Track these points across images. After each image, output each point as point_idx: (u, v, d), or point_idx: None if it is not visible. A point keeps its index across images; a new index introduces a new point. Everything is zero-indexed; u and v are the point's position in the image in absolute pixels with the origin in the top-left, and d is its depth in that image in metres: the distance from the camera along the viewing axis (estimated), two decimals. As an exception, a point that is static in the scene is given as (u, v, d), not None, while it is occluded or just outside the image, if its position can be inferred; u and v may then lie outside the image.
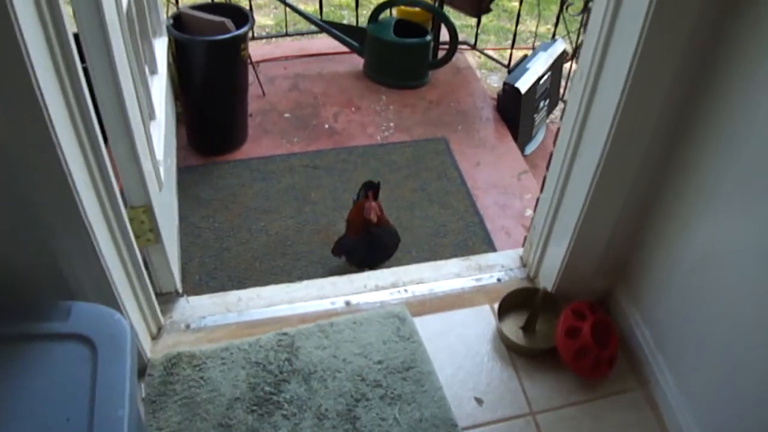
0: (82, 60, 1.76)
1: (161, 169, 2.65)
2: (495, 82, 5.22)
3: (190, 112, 3.93)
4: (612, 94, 2.02)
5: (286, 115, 4.33)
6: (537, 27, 5.32)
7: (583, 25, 4.55)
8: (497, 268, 2.90)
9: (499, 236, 3.54)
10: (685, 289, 2.24)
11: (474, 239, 3.51)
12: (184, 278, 3.23)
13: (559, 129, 2.50)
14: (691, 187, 2.14)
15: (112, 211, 2.07)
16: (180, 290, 2.78)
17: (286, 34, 5.08)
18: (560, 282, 2.63)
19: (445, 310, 2.71)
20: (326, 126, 4.26)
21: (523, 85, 4.29)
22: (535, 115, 4.60)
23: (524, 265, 2.91)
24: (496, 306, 2.69)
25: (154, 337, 2.58)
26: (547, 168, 2.60)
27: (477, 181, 3.90)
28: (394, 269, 2.89)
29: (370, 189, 3.22)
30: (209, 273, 3.28)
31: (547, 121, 4.86)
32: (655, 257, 2.39)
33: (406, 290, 2.77)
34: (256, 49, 4.91)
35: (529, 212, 3.70)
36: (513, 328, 2.66)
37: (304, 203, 3.68)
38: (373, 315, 2.64)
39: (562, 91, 4.91)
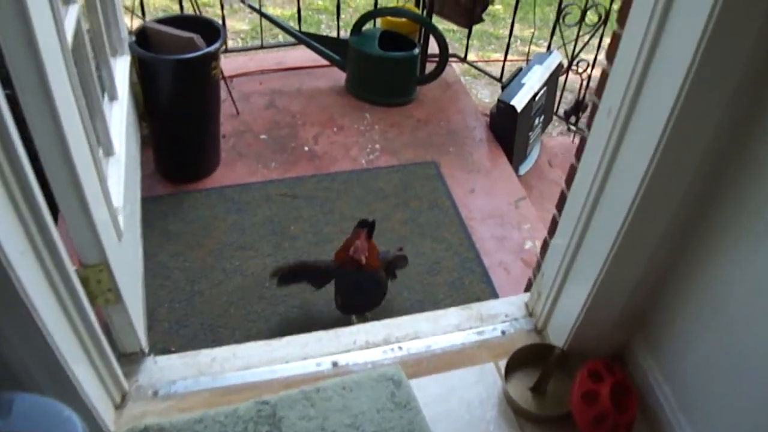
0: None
1: (120, 218, 2.32)
2: (486, 96, 4.94)
3: (157, 136, 3.60)
4: (649, 136, 1.72)
5: (262, 136, 4.01)
6: (533, 37, 4.99)
7: (587, 34, 4.29)
8: (501, 318, 2.61)
9: (497, 273, 3.23)
10: (713, 343, 1.98)
11: (470, 277, 3.20)
12: (152, 326, 2.92)
13: (573, 167, 2.20)
14: (726, 237, 1.88)
15: (58, 276, 1.76)
16: (146, 349, 2.47)
17: (262, 47, 4.76)
18: (574, 337, 2.34)
19: (444, 370, 2.41)
20: (306, 149, 3.94)
21: (519, 102, 4.00)
22: (530, 133, 4.32)
23: (531, 315, 2.62)
24: (501, 364, 2.42)
25: (118, 407, 2.28)
26: (559, 210, 2.30)
27: (471, 210, 3.59)
28: (386, 322, 2.58)
29: (364, 228, 2.91)
30: (180, 320, 2.96)
31: (542, 138, 4.57)
32: (680, 306, 2.12)
33: (400, 347, 2.47)
34: (228, 62, 4.59)
35: (529, 245, 3.41)
36: (521, 390, 2.38)
37: (283, 238, 3.36)
38: (365, 378, 2.33)
39: (556, 105, 4.62)
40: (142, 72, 3.32)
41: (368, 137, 4.06)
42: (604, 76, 1.96)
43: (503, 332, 2.55)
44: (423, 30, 4.47)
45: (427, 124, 4.20)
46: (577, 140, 5.24)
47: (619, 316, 2.27)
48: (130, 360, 2.42)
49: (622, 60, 1.80)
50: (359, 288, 2.86)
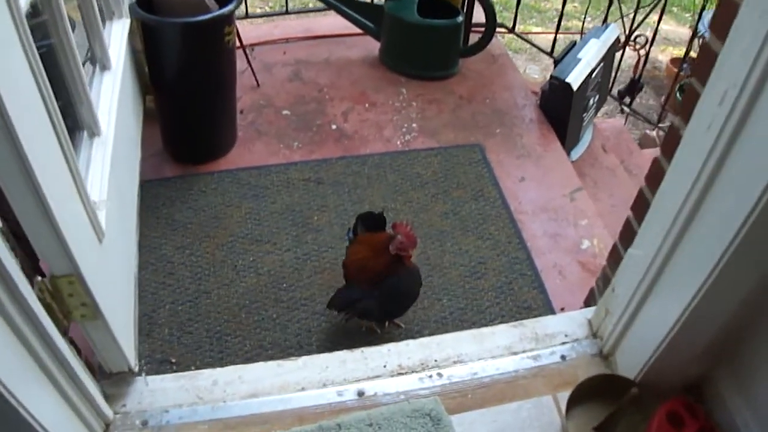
0: None
1: (101, 214, 1.91)
2: (535, 73, 4.45)
3: (163, 111, 3.20)
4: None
5: (285, 112, 3.59)
6: (588, 7, 4.48)
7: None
8: (559, 338, 2.18)
9: (551, 277, 2.81)
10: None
11: (520, 281, 2.76)
12: (150, 332, 2.55)
13: (658, 165, 1.77)
14: None
15: (6, 295, 1.34)
16: (135, 368, 2.07)
17: (287, 12, 4.30)
18: (650, 368, 1.92)
19: (493, 404, 2.00)
20: (333, 127, 3.51)
21: (575, 79, 3.54)
22: (584, 114, 3.85)
23: (595, 335, 2.18)
24: (561, 397, 2.00)
25: None
26: (638, 215, 1.86)
27: (521, 202, 3.15)
28: (423, 341, 2.15)
29: (371, 222, 2.54)
30: (182, 325, 2.57)
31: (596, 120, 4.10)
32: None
33: (440, 374, 2.04)
34: (249, 30, 4.21)
35: (586, 244, 2.97)
36: (584, 430, 1.92)
37: (305, 230, 2.95)
38: (396, 413, 1.91)
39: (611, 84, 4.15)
40: (146, 38, 2.91)
41: (404, 115, 3.62)
42: (709, 53, 1.51)
43: (563, 357, 2.12)
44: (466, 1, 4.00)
45: (470, 102, 3.75)
46: (649, 100, 4.76)
47: (708, 345, 1.82)
48: (117, 381, 2.04)
49: (743, 31, 1.35)
50: (404, 291, 2.46)
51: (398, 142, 3.44)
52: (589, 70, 3.64)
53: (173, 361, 2.47)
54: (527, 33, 4.95)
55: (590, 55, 3.70)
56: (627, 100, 4.65)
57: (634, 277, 1.88)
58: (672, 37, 5.80)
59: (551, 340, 2.16)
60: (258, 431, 1.89)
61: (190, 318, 2.60)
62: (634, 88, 4.71)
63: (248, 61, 3.71)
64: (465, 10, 3.98)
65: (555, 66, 3.76)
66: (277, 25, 4.41)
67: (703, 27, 4.94)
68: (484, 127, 3.58)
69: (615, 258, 2.13)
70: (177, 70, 3.00)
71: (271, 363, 2.07)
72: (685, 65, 4.97)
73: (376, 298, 2.38)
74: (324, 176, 3.21)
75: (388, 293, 2.38)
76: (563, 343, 2.15)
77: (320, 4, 4.08)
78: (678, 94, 4.86)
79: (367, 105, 3.68)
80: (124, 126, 2.62)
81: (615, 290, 2.05)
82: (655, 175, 1.82)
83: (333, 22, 4.22)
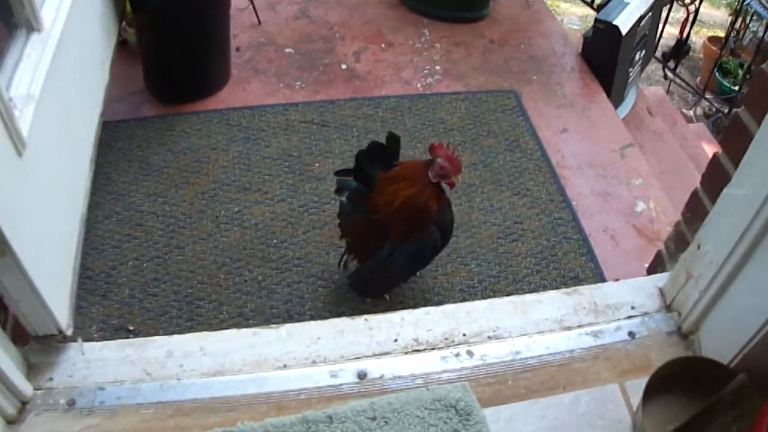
0: None
1: (22, 116, 1.41)
2: (574, 23, 3.93)
3: (145, 42, 2.70)
4: None
5: (288, 50, 3.08)
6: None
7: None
8: (624, 310, 1.69)
9: (601, 242, 2.32)
10: None
11: (564, 246, 2.27)
12: (107, 294, 2.09)
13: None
14: None
15: None
16: (68, 331, 1.58)
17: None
18: (750, 353, 1.43)
19: (541, 394, 1.50)
20: (343, 66, 3.01)
21: (623, 23, 3.02)
22: (629, 70, 3.33)
23: (668, 307, 1.66)
24: (632, 386, 1.50)
25: (11, 422, 1.43)
26: (729, 145, 1.36)
27: (564, 155, 2.65)
28: (448, 308, 1.64)
29: (379, 157, 1.94)
30: (147, 286, 2.10)
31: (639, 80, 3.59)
32: None
33: (470, 353, 1.54)
34: None
35: (641, 206, 2.48)
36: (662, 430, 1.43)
37: (303, 178, 2.46)
38: (410, 403, 1.42)
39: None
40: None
41: (426, 57, 3.11)
42: None
43: (631, 335, 1.61)
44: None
45: (502, 47, 3.24)
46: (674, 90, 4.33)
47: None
48: (45, 348, 1.56)
49: None
50: (447, 230, 1.96)
51: (419, 85, 2.93)
52: (638, 16, 3.13)
53: (131, 328, 2.00)
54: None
55: (638, 0, 3.19)
56: (672, 64, 4.16)
57: (733, 227, 1.37)
58: (706, 19, 5.33)
59: (614, 313, 1.65)
60: (219, 421, 1.40)
61: (156, 277, 2.12)
62: (680, 50, 4.20)
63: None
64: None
65: (598, 11, 3.24)
66: (285, -39, 3.90)
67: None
68: (519, 73, 3.07)
69: (695, 207, 1.64)
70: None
71: (244, 331, 1.57)
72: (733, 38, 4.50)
73: (407, 251, 1.88)
74: (329, 119, 2.70)
75: (426, 242, 1.89)
76: (630, 317, 1.65)
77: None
78: (717, 73, 4.38)
79: (383, 45, 3.18)
80: (81, 32, 2.13)
81: (702, 247, 1.54)
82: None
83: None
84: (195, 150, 2.54)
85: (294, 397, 1.44)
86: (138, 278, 2.12)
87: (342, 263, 2.12)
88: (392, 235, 1.88)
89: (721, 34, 4.97)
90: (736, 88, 4.45)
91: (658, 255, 1.88)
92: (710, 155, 3.53)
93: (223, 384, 1.46)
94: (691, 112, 4.72)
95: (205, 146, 2.56)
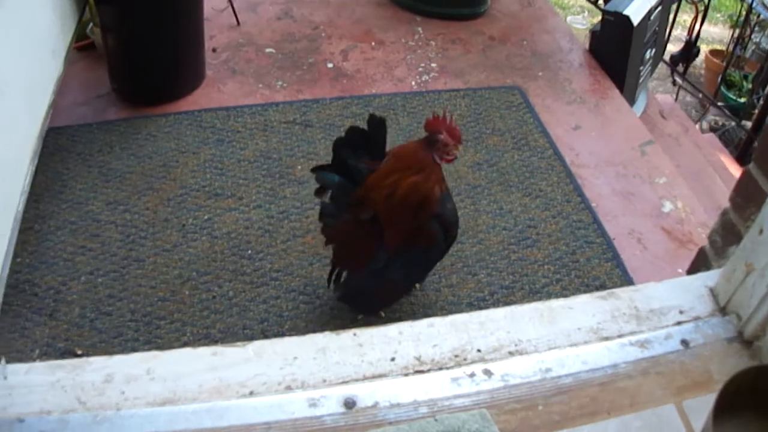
0: None
1: None
2: (579, 23, 3.67)
3: (110, 40, 2.42)
4: None
5: (269, 50, 2.81)
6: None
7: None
8: (672, 315, 1.37)
9: (627, 246, 2.05)
10: None
11: (586, 251, 1.98)
12: (54, 314, 1.82)
13: None
14: None
15: None
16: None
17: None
18: None
19: (581, 421, 1.19)
20: (329, 65, 2.73)
21: (635, 13, 2.75)
22: (641, 68, 3.05)
23: (723, 310, 1.36)
24: (689, 405, 1.19)
25: None
26: None
27: (579, 154, 2.37)
28: (457, 319, 1.32)
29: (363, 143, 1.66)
30: (100, 304, 1.82)
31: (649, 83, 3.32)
32: None
33: (487, 372, 1.22)
34: None
35: (669, 207, 2.21)
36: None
37: (283, 182, 2.18)
38: (412, 436, 1.09)
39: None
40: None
41: (420, 54, 2.83)
42: None
43: (685, 343, 1.29)
44: None
45: (503, 43, 2.97)
46: (686, 97, 4.10)
47: None
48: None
49: None
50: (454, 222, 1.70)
51: (413, 83, 2.65)
52: (649, 6, 2.87)
53: (80, 353, 1.71)
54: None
55: (649, -9, 2.94)
56: (681, 68, 3.90)
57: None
58: (704, 36, 5.16)
59: (660, 319, 1.34)
60: (170, 466, 1.08)
61: (111, 294, 1.83)
62: (689, 51, 3.95)
63: (229, 0, 2.93)
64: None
65: (606, 2, 2.98)
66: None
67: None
68: (523, 70, 2.80)
69: (747, 189, 1.35)
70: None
71: (202, 350, 1.24)
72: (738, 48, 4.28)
73: (407, 259, 1.63)
74: (314, 118, 2.42)
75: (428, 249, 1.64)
76: (679, 323, 1.34)
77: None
78: (722, 87, 4.15)
79: (373, 43, 2.90)
80: (28, 11, 1.85)
81: (765, 232, 1.24)
82: None
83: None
84: (162, 154, 2.26)
85: (263, 431, 1.12)
86: (91, 295, 1.83)
87: (332, 279, 1.77)
88: (389, 241, 1.59)
89: (722, 48, 4.76)
90: (742, 100, 4.23)
91: (701, 252, 1.58)
92: (727, 164, 3.28)
93: (173, 415, 1.14)
94: (698, 126, 4.47)
95: (173, 150, 2.27)
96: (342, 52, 2.82)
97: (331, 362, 1.22)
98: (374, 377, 1.20)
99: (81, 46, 2.71)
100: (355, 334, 1.28)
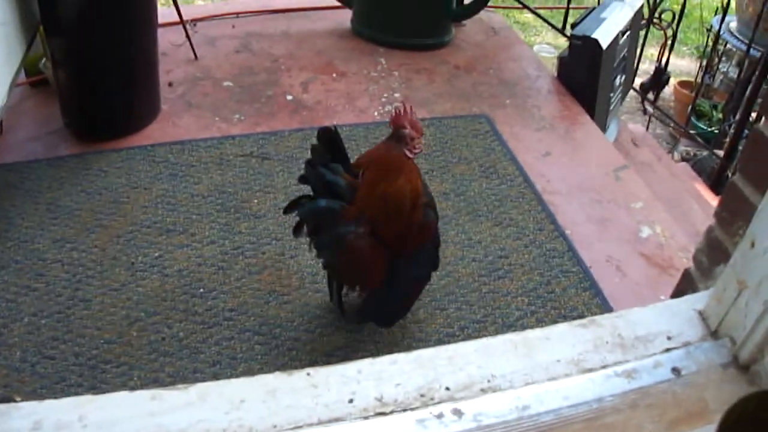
0: None
1: None
2: (546, 51, 3.62)
3: (61, 73, 2.32)
4: None
5: (227, 83, 2.71)
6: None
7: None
8: (659, 342, 1.28)
9: (605, 274, 1.97)
10: None
11: (562, 281, 1.89)
12: None
13: None
14: None
15: None
16: None
17: (238, -22, 3.43)
18: None
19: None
20: (289, 98, 2.64)
21: (603, 36, 2.70)
22: (611, 95, 2.99)
23: (715, 333, 1.26)
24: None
25: None
26: None
27: (551, 180, 2.28)
28: (422, 354, 1.21)
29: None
30: (42, 347, 1.69)
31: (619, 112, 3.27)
32: None
33: (457, 411, 1.10)
34: (191, 8, 3.43)
35: (647, 232, 2.12)
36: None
37: (239, 217, 2.07)
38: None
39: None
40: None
41: (383, 85, 2.75)
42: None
43: (676, 371, 1.19)
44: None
45: (469, 72, 2.89)
46: (656, 129, 4.08)
47: None
48: None
49: None
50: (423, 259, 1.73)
51: (375, 113, 2.57)
52: (617, 31, 2.81)
53: (18, 399, 1.53)
54: (545, 8, 4.14)
55: (616, 15, 2.89)
56: (651, 96, 3.85)
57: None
58: (671, 68, 5.17)
59: (647, 346, 1.23)
60: None
61: (55, 336, 1.71)
62: (659, 78, 3.90)
63: (186, 35, 2.84)
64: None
65: (573, 28, 2.91)
66: (228, 2, 3.56)
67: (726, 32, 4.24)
68: (490, 98, 2.72)
69: (734, 202, 1.27)
70: (74, 6, 2.15)
71: (141, 393, 1.12)
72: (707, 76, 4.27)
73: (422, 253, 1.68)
74: (271, 151, 2.31)
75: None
76: (668, 350, 1.23)
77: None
78: (693, 118, 4.12)
79: (334, 75, 2.81)
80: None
81: (758, 244, 1.14)
82: None
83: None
84: (112, 190, 2.14)
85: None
86: (33, 338, 1.70)
87: (339, 301, 1.76)
88: (400, 247, 1.61)
89: (690, 79, 4.74)
90: (712, 129, 4.20)
91: (686, 275, 1.48)
92: (702, 191, 3.22)
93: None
94: (669, 157, 4.43)
95: (124, 185, 2.15)
96: (302, 84, 2.73)
97: (282, 405, 1.10)
98: (330, 421, 1.08)
99: (34, 81, 2.61)
100: (308, 374, 1.16)
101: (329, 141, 1.61)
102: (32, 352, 1.66)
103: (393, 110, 1.61)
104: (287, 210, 1.64)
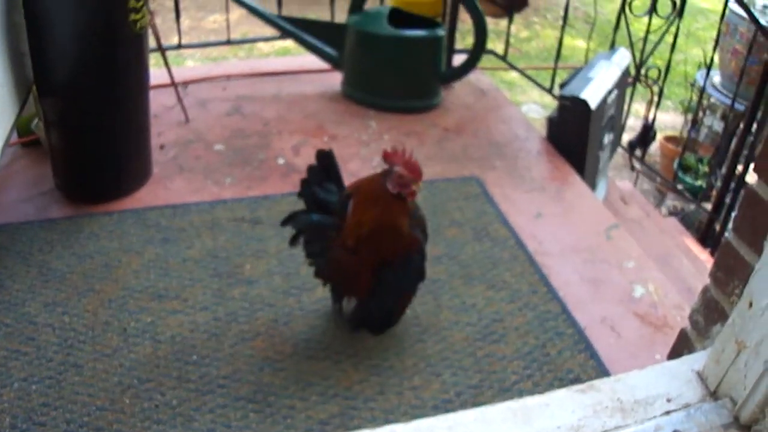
0: None
1: None
2: (535, 111, 3.64)
3: (54, 135, 2.33)
4: None
5: (218, 146, 2.72)
6: (592, 31, 3.69)
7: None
8: (659, 405, 1.29)
9: (600, 336, 1.96)
10: None
11: (557, 343, 1.89)
12: None
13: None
14: None
15: None
16: None
17: (228, 42, 3.47)
18: None
19: None
20: (280, 161, 2.65)
21: (591, 97, 2.75)
22: (600, 153, 3.02)
23: (713, 394, 1.27)
24: None
25: None
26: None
27: (543, 242, 2.29)
28: (419, 425, 1.20)
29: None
30: (32, 413, 1.66)
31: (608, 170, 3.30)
32: None
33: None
34: (184, 71, 3.39)
35: (640, 291, 2.14)
36: None
37: (231, 283, 2.06)
38: None
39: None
40: (27, 14, 2.09)
41: (374, 148, 2.76)
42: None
43: (677, 436, 1.18)
44: (451, 6, 3.22)
45: (459, 134, 2.92)
46: (643, 184, 4.13)
47: None
48: None
49: None
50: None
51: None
52: (605, 91, 2.85)
53: (5, 470, 1.52)
54: (534, 68, 4.19)
55: (603, 76, 2.94)
56: (639, 152, 3.89)
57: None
58: (656, 123, 5.26)
59: (647, 409, 1.23)
60: None
61: (45, 403, 1.68)
62: (646, 135, 3.95)
63: (178, 97, 2.87)
64: (447, 24, 3.18)
65: (561, 88, 2.95)
66: (219, 64, 3.62)
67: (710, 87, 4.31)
68: (480, 160, 2.73)
69: (729, 262, 1.29)
70: (66, 68, 2.17)
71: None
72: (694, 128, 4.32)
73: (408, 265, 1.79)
74: (263, 215, 2.31)
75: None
76: (668, 413, 1.23)
77: (266, 33, 3.29)
78: (679, 173, 4.16)
79: (325, 138, 2.83)
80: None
81: (755, 304, 1.15)
82: None
83: (286, 60, 3.46)
84: (104, 253, 2.13)
85: None
86: (23, 404, 1.67)
87: (339, 308, 1.93)
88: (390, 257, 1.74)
89: (675, 133, 4.79)
90: (699, 182, 4.24)
91: (682, 335, 1.49)
92: (691, 246, 3.23)
93: None
94: (657, 212, 4.46)
95: (116, 249, 2.14)
96: (293, 147, 2.74)
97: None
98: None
99: (26, 141, 2.62)
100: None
101: (325, 162, 1.79)
102: (22, 419, 1.63)
103: (389, 148, 1.70)
104: (284, 223, 1.79)
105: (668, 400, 1.26)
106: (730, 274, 1.29)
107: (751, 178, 1.23)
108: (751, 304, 1.17)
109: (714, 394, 1.27)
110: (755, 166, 1.26)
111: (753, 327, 1.16)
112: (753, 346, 1.16)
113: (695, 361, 1.34)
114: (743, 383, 1.19)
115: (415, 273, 1.80)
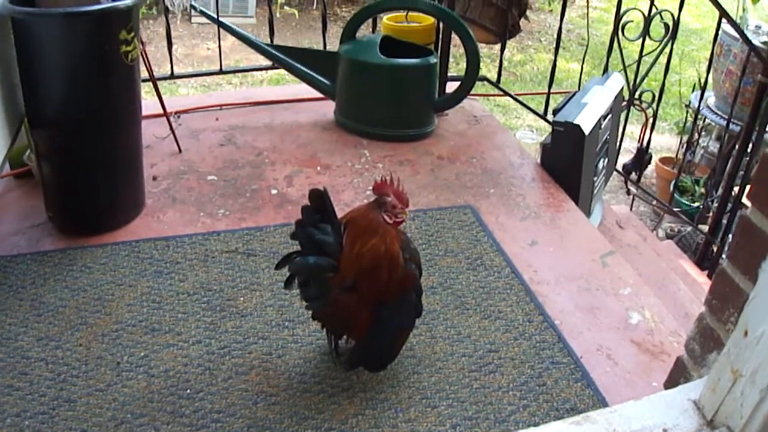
0: None
1: None
2: (529, 138, 3.66)
3: (46, 168, 2.33)
4: None
5: (211, 177, 2.72)
6: (585, 54, 3.69)
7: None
8: (654, 435, 1.24)
9: (597, 364, 1.94)
10: None
11: (553, 373, 1.87)
12: None
13: None
14: None
15: None
16: None
17: (221, 71, 3.48)
18: None
19: None
20: (273, 192, 2.65)
21: (585, 122, 2.75)
22: (594, 179, 3.02)
23: (710, 423, 1.26)
24: None
25: None
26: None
27: (538, 270, 2.28)
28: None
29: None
30: None
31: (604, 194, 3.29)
32: None
33: None
34: (177, 100, 3.40)
35: (637, 318, 2.13)
36: None
37: (225, 316, 2.05)
38: None
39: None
40: (18, 46, 2.09)
41: (367, 178, 2.76)
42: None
43: (674, 470, 1.17)
44: (443, 35, 3.23)
45: (453, 162, 2.92)
46: (639, 207, 4.11)
47: None
48: None
49: None
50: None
51: (361, 206, 2.56)
52: (598, 115, 2.85)
53: None
54: (527, 93, 4.20)
55: (596, 100, 2.94)
56: (635, 176, 3.89)
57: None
58: (651, 145, 5.27)
59: (643, 441, 1.22)
60: None
61: (39, 439, 1.64)
62: (641, 159, 3.95)
63: (170, 128, 2.86)
64: (441, 52, 3.19)
65: (555, 114, 2.95)
66: (211, 94, 3.61)
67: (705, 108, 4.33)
68: (474, 188, 2.73)
69: (724, 290, 1.29)
70: (58, 100, 2.18)
71: None
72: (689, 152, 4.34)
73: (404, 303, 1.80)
74: (257, 247, 2.30)
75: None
76: (663, 444, 1.21)
77: (259, 60, 3.29)
78: (676, 194, 4.17)
79: (319, 168, 2.82)
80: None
81: (751, 333, 1.14)
82: None
83: (279, 89, 3.45)
84: (97, 287, 2.12)
85: None
86: (14, 441, 1.65)
87: (335, 350, 1.90)
88: (382, 299, 1.73)
89: (670, 155, 4.80)
90: (695, 204, 4.25)
91: (678, 363, 1.47)
92: (688, 269, 3.23)
93: None
94: (654, 234, 4.46)
95: (109, 282, 2.13)
96: (286, 177, 2.73)
97: None
98: None
99: (18, 173, 2.61)
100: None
101: (319, 202, 1.72)
102: (14, 457, 1.62)
103: (378, 178, 1.72)
104: (279, 266, 1.76)
105: (665, 431, 1.25)
106: (725, 302, 1.28)
107: (747, 202, 1.22)
108: (746, 333, 1.16)
109: (711, 423, 1.26)
110: (749, 192, 1.26)
111: (749, 355, 1.15)
112: (749, 374, 1.15)
113: (691, 390, 1.33)
114: (740, 412, 1.18)
115: (412, 310, 1.81)
